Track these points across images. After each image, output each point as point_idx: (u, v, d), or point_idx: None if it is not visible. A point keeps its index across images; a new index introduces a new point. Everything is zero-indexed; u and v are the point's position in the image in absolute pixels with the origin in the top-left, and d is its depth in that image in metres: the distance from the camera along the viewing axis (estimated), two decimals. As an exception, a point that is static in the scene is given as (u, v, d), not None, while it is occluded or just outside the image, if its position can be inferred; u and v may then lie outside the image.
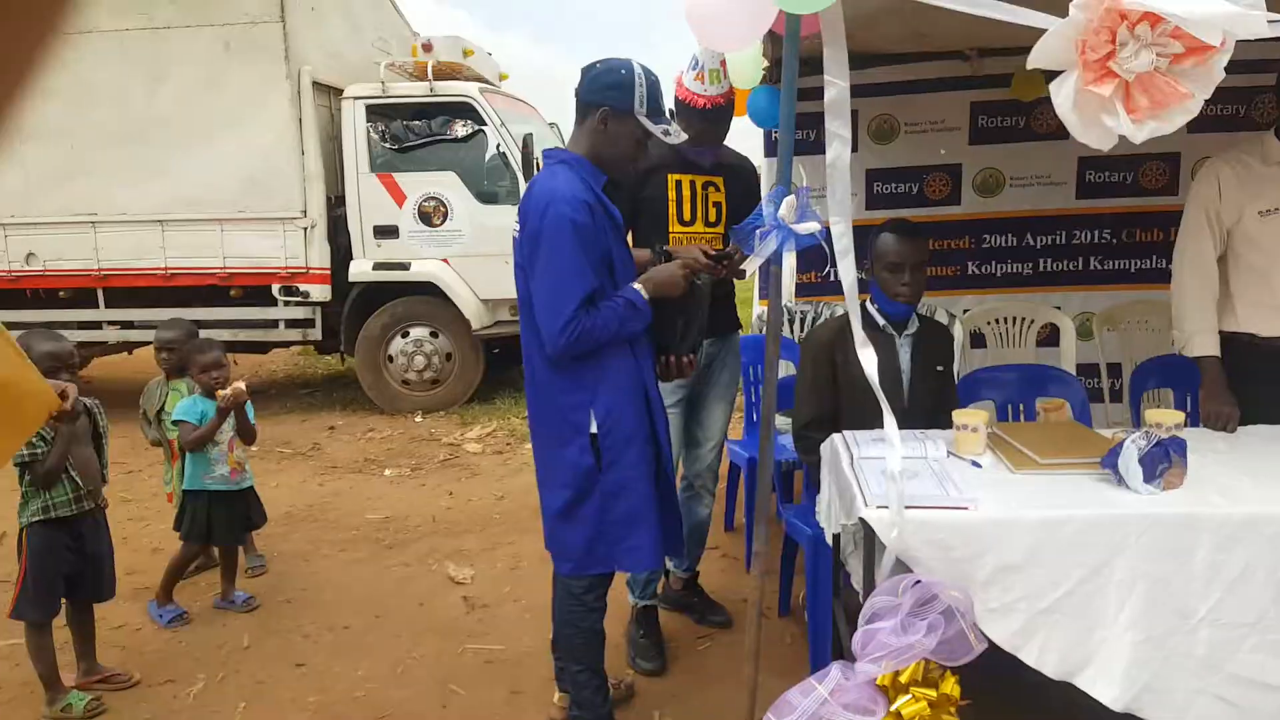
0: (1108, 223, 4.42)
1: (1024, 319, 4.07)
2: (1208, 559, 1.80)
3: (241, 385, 3.17)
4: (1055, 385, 2.98)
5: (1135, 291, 4.27)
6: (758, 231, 1.89)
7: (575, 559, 2.24)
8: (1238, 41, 1.61)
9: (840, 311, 2.71)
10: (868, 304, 2.55)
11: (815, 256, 2.03)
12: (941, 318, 4.07)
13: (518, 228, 2.17)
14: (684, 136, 2.10)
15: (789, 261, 1.83)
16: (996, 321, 4.09)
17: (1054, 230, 4.47)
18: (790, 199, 1.77)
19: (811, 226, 1.82)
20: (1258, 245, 2.41)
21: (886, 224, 2.51)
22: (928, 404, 2.54)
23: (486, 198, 6.22)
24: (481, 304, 6.31)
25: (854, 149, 4.39)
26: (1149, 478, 1.90)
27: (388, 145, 6.27)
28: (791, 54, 1.76)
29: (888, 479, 1.85)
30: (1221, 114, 4.15)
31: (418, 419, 6.32)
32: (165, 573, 3.30)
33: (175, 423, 3.21)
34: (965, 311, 4.27)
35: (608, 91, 2.10)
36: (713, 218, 2.87)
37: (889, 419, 1.92)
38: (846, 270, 1.94)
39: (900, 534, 1.83)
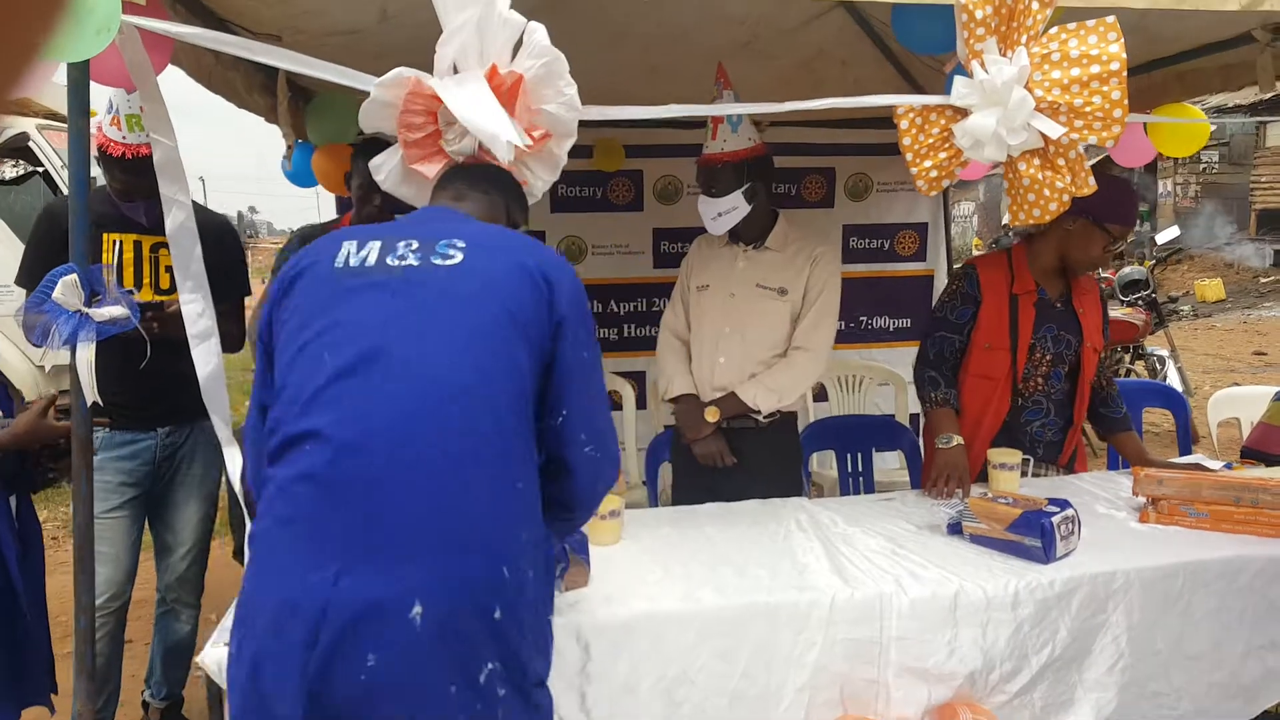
0: None
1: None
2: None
3: None
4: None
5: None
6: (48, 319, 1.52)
7: None
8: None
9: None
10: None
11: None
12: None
13: None
14: None
15: (87, 352, 1.49)
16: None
17: (635, 297, 4.60)
18: (70, 279, 1.44)
19: (114, 312, 1.51)
20: (693, 316, 2.64)
21: None
22: None
23: (44, 249, 5.31)
24: (39, 372, 5.40)
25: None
26: (547, 579, 1.79)
27: (-91, 187, 5.17)
28: (76, 107, 1.44)
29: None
30: (776, 192, 4.51)
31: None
32: None
33: None
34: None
35: None
36: (165, 284, 2.48)
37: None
38: (207, 357, 1.65)
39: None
